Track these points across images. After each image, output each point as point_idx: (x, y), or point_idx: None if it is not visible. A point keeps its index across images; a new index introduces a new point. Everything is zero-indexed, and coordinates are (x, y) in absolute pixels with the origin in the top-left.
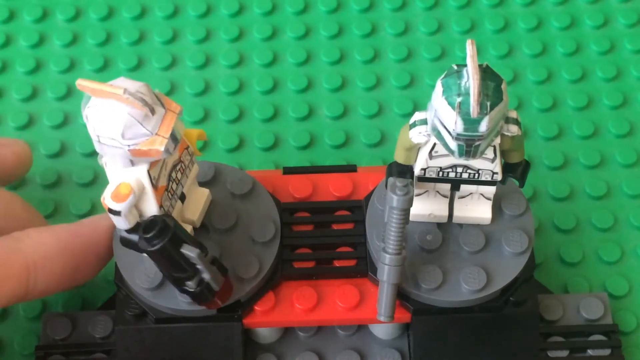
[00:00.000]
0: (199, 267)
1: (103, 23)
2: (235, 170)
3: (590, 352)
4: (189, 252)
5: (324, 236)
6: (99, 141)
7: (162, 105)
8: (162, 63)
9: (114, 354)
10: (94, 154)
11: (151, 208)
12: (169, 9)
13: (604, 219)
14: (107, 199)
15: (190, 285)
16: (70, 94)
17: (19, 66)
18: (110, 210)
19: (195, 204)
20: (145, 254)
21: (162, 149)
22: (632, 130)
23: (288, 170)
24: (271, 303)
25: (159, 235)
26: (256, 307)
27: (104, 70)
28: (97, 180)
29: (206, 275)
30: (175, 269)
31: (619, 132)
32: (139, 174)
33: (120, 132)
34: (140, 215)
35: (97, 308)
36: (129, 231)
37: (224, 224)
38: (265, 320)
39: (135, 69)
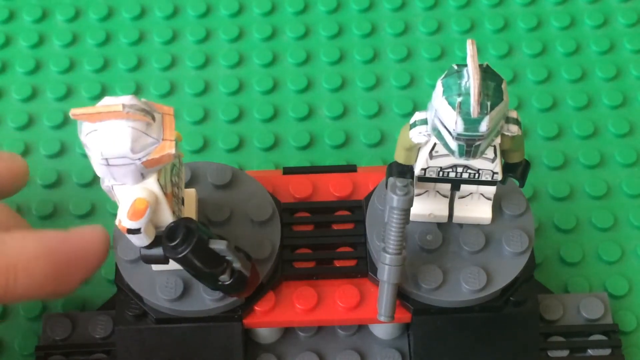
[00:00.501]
0: (228, 258)
1: (103, 23)
2: (210, 164)
3: (590, 352)
4: (218, 245)
5: (324, 236)
6: (108, 164)
7: (156, 110)
8: (162, 63)
9: (114, 355)
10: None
11: (166, 217)
12: (169, 9)
13: (604, 219)
14: (125, 221)
15: (225, 278)
16: (70, 94)
17: (18, 66)
18: (130, 231)
19: (190, 205)
20: (172, 261)
21: (173, 152)
22: (632, 130)
23: (288, 170)
24: (271, 303)
25: (185, 239)
26: (256, 307)
27: (103, 71)
28: (97, 180)
29: (236, 264)
30: (208, 266)
31: (619, 131)
32: (151, 186)
33: (129, 147)
34: (156, 226)
35: (97, 308)
36: (149, 246)
37: (220, 216)
38: (265, 320)
39: (135, 69)
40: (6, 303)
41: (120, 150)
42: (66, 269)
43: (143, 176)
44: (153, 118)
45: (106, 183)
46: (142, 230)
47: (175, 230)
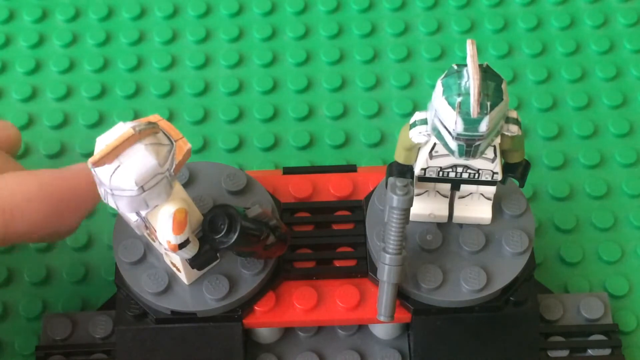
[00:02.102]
0: (265, 219)
1: (103, 23)
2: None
3: (590, 351)
4: (256, 212)
5: (324, 236)
6: (144, 190)
7: (149, 121)
8: (162, 63)
9: (114, 355)
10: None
11: (197, 216)
12: (169, 9)
13: (604, 219)
14: (173, 238)
15: (271, 239)
16: (70, 94)
17: (18, 66)
18: (181, 246)
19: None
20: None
21: (190, 145)
22: (632, 130)
23: (288, 171)
24: (271, 303)
25: (231, 224)
26: (256, 307)
27: (103, 71)
28: None
29: (273, 221)
30: (257, 237)
31: (619, 131)
32: (179, 192)
33: (157, 162)
34: (192, 230)
35: (97, 308)
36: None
37: None
38: (265, 320)
39: (135, 69)
40: (8, 243)
41: (150, 170)
42: (63, 205)
43: (171, 187)
44: (156, 128)
45: (137, 219)
46: (190, 239)
47: (215, 221)
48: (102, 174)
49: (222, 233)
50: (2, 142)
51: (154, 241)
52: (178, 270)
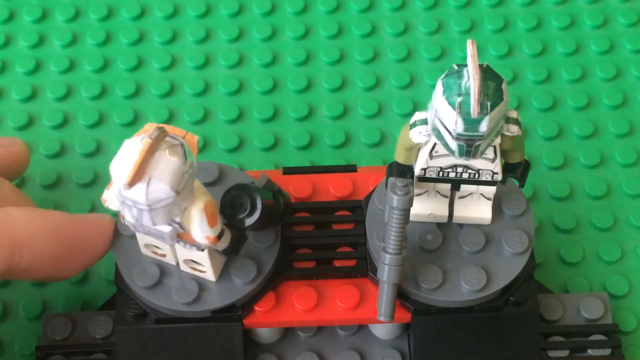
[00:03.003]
0: (274, 188)
1: (103, 23)
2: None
3: (590, 352)
4: (264, 181)
5: (324, 236)
6: (178, 193)
7: (155, 129)
8: (162, 63)
9: (114, 355)
10: (93, 154)
11: (216, 204)
12: (169, 9)
13: (604, 219)
14: (210, 231)
15: (281, 208)
16: (70, 94)
17: (18, 66)
18: (219, 237)
19: None
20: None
21: (197, 137)
22: (632, 130)
23: (288, 171)
24: (271, 303)
25: (253, 200)
26: (256, 307)
27: (103, 71)
28: (97, 180)
29: (276, 186)
30: (276, 205)
31: (619, 131)
32: (199, 187)
33: (181, 162)
34: None
35: (97, 308)
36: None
37: None
38: (265, 320)
39: (135, 69)
40: (10, 277)
41: (179, 171)
42: (71, 250)
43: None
44: (162, 129)
45: (171, 229)
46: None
47: (235, 202)
48: (136, 194)
49: (247, 212)
50: (6, 159)
51: (164, 257)
52: (201, 272)
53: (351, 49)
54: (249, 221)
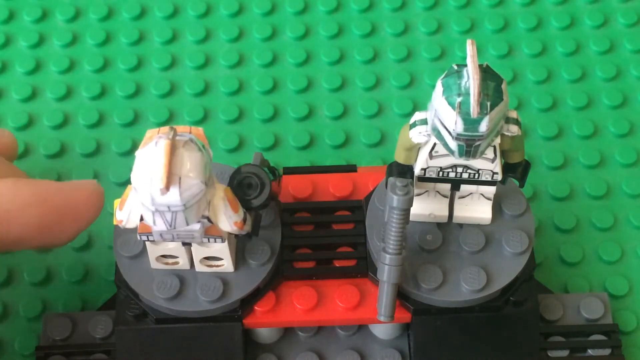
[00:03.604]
0: (267, 164)
1: (103, 23)
2: None
3: (590, 351)
4: (258, 159)
5: (324, 236)
6: (207, 185)
7: (168, 129)
8: (162, 63)
9: (114, 355)
10: (93, 154)
11: None
12: (169, 9)
13: (604, 219)
14: (237, 217)
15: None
16: (70, 94)
17: (18, 66)
18: (244, 221)
19: None
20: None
21: (201, 128)
22: (632, 130)
23: (288, 170)
24: (271, 303)
25: (261, 180)
26: (256, 307)
27: (103, 71)
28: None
29: (269, 162)
30: (275, 180)
31: (619, 131)
32: (212, 176)
33: (201, 154)
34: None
35: (97, 308)
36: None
37: None
38: (265, 321)
39: (135, 69)
40: (2, 249)
41: (202, 163)
42: (59, 218)
43: None
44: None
45: (200, 226)
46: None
47: (243, 183)
48: (171, 197)
49: (258, 191)
50: None
51: (177, 264)
52: (218, 266)
53: (351, 49)
54: (261, 199)
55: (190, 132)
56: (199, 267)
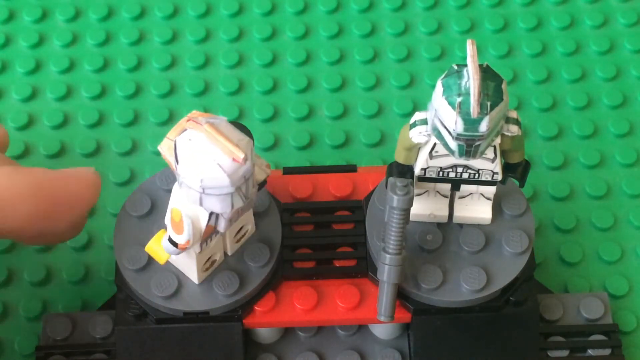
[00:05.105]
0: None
1: (103, 23)
2: None
3: (590, 352)
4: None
5: (324, 236)
6: (247, 176)
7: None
8: (162, 63)
9: (114, 355)
10: (93, 154)
11: None
12: (169, 9)
13: (604, 219)
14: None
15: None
16: (70, 94)
17: (18, 66)
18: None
19: None
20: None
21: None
22: (632, 130)
23: (288, 170)
24: (271, 303)
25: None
26: (256, 307)
27: (103, 71)
28: None
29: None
30: None
31: (619, 131)
32: None
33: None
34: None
35: (97, 308)
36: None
37: None
38: (265, 321)
39: (135, 69)
40: None
41: (238, 134)
42: (56, 207)
43: None
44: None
45: (230, 209)
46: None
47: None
48: (235, 176)
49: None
50: None
51: (216, 258)
52: (244, 236)
53: (351, 49)
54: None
55: (195, 114)
56: (232, 249)
